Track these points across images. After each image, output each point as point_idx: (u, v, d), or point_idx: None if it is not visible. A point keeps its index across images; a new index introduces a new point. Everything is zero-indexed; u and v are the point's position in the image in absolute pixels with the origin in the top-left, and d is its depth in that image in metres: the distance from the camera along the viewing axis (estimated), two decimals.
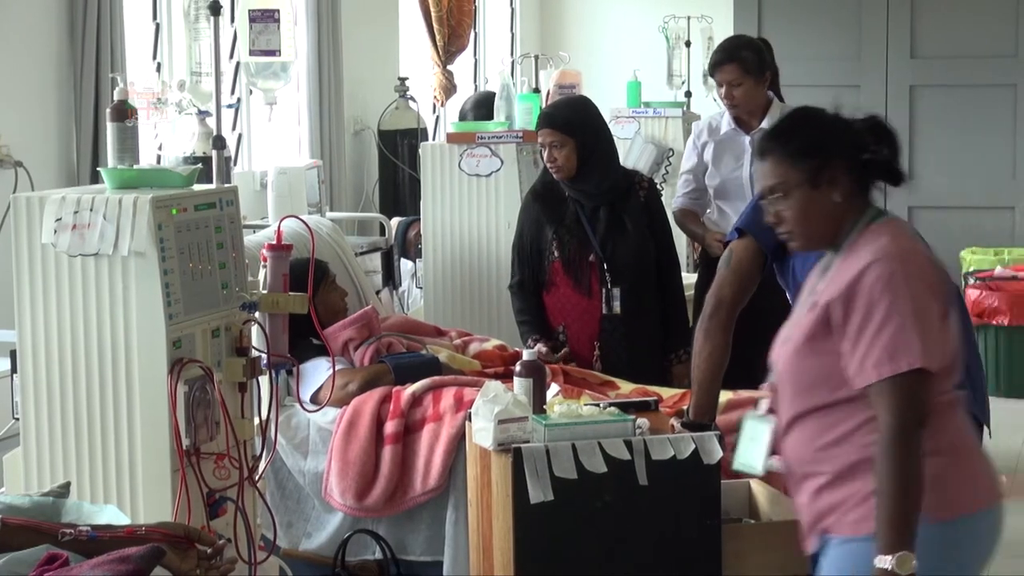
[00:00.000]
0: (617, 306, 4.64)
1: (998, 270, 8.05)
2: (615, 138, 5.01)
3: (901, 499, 2.47)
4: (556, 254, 4.71)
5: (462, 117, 7.19)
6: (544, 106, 5.72)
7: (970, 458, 2.66)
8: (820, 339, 2.59)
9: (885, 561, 2.46)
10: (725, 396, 3.78)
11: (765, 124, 5.12)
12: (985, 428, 3.50)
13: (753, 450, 2.82)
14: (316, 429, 4.31)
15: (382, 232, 6.67)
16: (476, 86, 9.29)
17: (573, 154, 4.65)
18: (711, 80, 5.41)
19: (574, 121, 4.68)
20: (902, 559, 2.45)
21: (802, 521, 2.70)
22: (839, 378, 2.57)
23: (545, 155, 4.70)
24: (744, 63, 5.07)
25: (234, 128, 6.39)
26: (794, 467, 2.68)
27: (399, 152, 7.32)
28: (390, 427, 4.17)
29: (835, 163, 2.61)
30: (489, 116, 6.21)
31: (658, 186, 5.15)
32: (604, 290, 4.65)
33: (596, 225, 4.69)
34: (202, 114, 5.10)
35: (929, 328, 2.51)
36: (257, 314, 3.52)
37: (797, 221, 2.65)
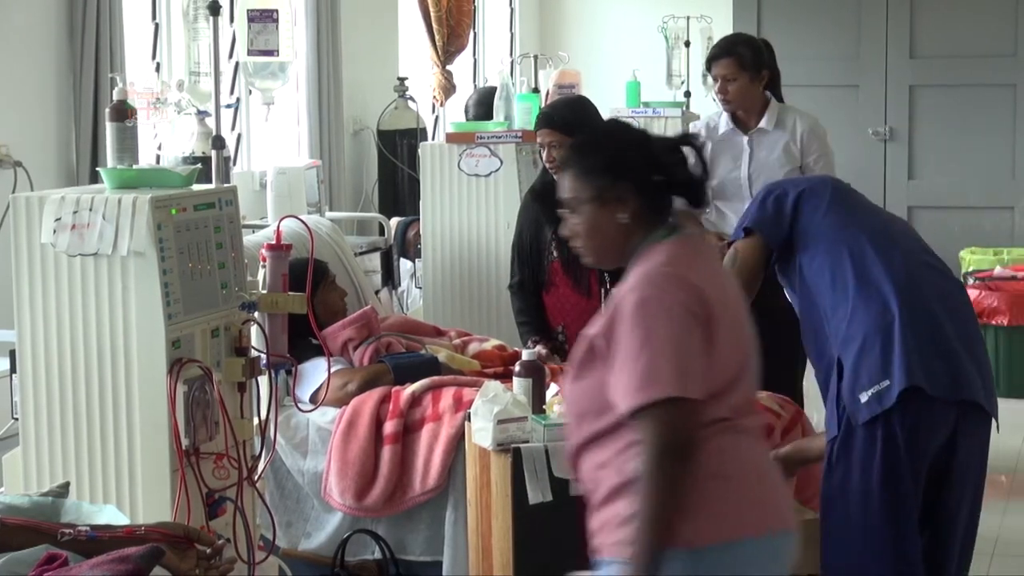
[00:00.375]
0: None
1: (997, 270, 8.05)
2: None
3: (650, 525, 2.45)
4: (555, 254, 4.71)
5: (465, 112, 7.19)
6: (543, 106, 5.71)
7: (748, 486, 2.59)
8: (588, 367, 2.58)
9: None
10: None
11: (763, 124, 5.12)
12: (993, 422, 3.48)
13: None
14: (315, 429, 4.31)
15: (381, 232, 6.67)
16: (475, 86, 9.29)
17: None
18: (710, 80, 5.41)
19: (573, 121, 4.67)
20: None
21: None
22: (603, 406, 2.55)
23: (544, 155, 4.70)
24: (740, 58, 5.07)
25: (233, 128, 6.40)
26: (583, 492, 2.66)
27: (398, 152, 7.33)
28: (389, 427, 4.17)
29: (624, 183, 2.61)
30: (492, 112, 6.22)
31: None
32: (603, 290, 4.65)
33: None
34: (201, 114, 5.10)
35: (684, 355, 2.47)
36: (256, 314, 3.52)
37: (586, 236, 2.66)
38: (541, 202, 4.80)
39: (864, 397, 3.26)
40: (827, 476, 3.35)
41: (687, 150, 2.65)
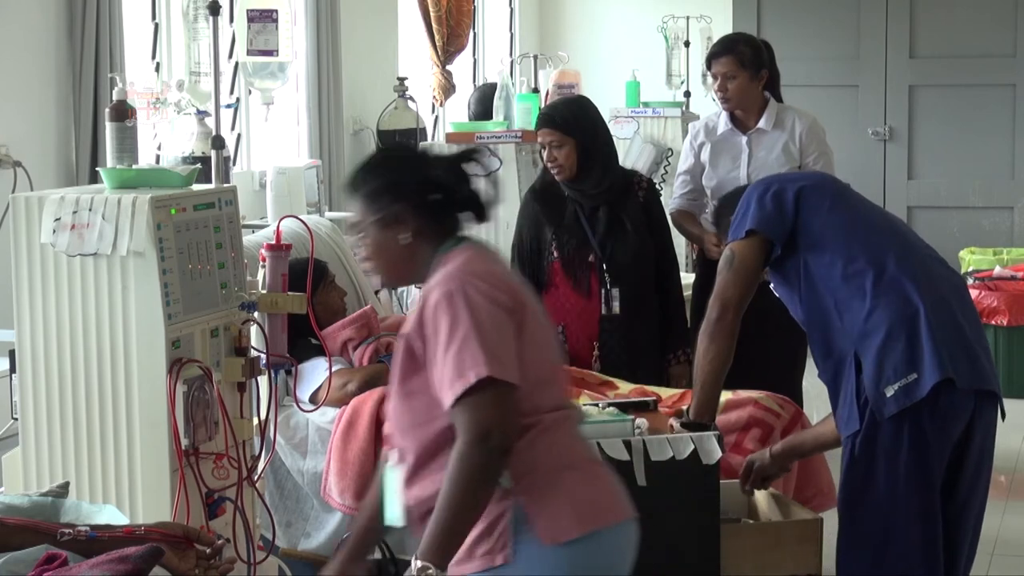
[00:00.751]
0: (616, 306, 4.63)
1: (997, 270, 8.05)
2: (614, 138, 5.01)
3: (453, 517, 2.44)
4: (555, 254, 4.71)
5: (468, 108, 7.18)
6: (543, 106, 5.70)
7: (599, 474, 2.64)
8: (409, 376, 2.60)
9: (415, 565, 2.43)
10: (724, 396, 3.78)
11: (762, 124, 5.12)
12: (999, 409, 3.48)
13: (395, 502, 2.77)
14: (315, 429, 4.31)
15: None
16: (475, 86, 9.29)
17: (573, 153, 4.64)
18: (710, 80, 5.41)
19: (573, 120, 4.68)
20: (423, 570, 2.42)
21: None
22: (432, 411, 2.55)
23: (545, 155, 4.70)
24: (740, 57, 5.07)
25: (233, 128, 6.39)
26: (415, 509, 2.63)
27: None
28: (389, 427, 4.17)
29: (401, 205, 2.67)
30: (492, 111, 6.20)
31: (657, 186, 5.15)
32: (603, 290, 4.65)
33: (596, 225, 4.69)
34: (201, 114, 5.10)
35: (496, 340, 2.49)
36: (256, 314, 3.52)
37: (373, 258, 2.72)
38: (541, 202, 4.80)
39: (890, 391, 3.27)
40: (850, 470, 3.34)
41: (471, 166, 2.74)
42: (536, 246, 4.77)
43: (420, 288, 2.71)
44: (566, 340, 4.71)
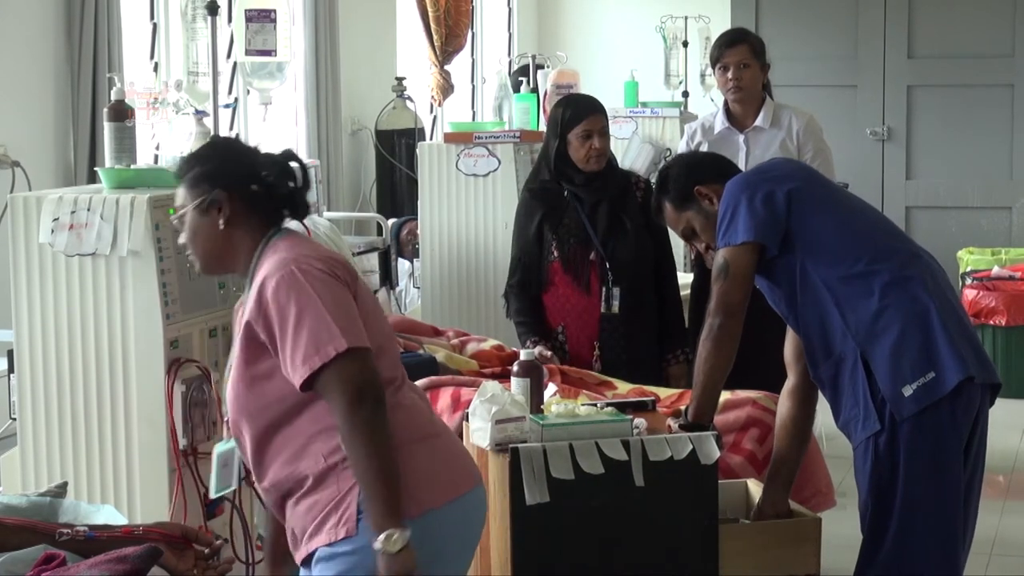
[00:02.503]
0: (616, 305, 4.63)
1: (995, 270, 8.05)
2: (612, 138, 5.01)
3: (374, 478, 2.52)
4: (555, 254, 4.71)
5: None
6: (574, 94, 5.53)
7: (451, 441, 2.77)
8: (254, 361, 2.65)
9: (377, 542, 2.50)
10: (723, 396, 3.77)
11: (759, 122, 5.12)
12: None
13: (227, 475, 2.93)
14: None
15: (379, 232, 6.67)
16: (473, 86, 9.30)
17: (608, 142, 4.71)
18: (708, 80, 5.41)
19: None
20: (388, 538, 2.48)
21: (290, 545, 2.72)
22: (282, 392, 2.62)
23: (588, 143, 4.66)
24: (753, 47, 5.10)
25: (231, 128, 6.40)
26: (272, 492, 2.69)
27: (396, 152, 7.33)
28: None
29: (220, 193, 2.72)
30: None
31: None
32: (604, 289, 4.65)
33: (596, 223, 4.69)
34: (199, 114, 5.09)
35: (343, 313, 2.58)
36: None
37: (190, 243, 2.78)
38: (540, 200, 4.80)
39: (908, 390, 3.27)
40: (875, 470, 3.34)
41: (293, 165, 2.79)
42: (536, 245, 4.77)
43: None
44: (566, 340, 4.70)
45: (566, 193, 4.75)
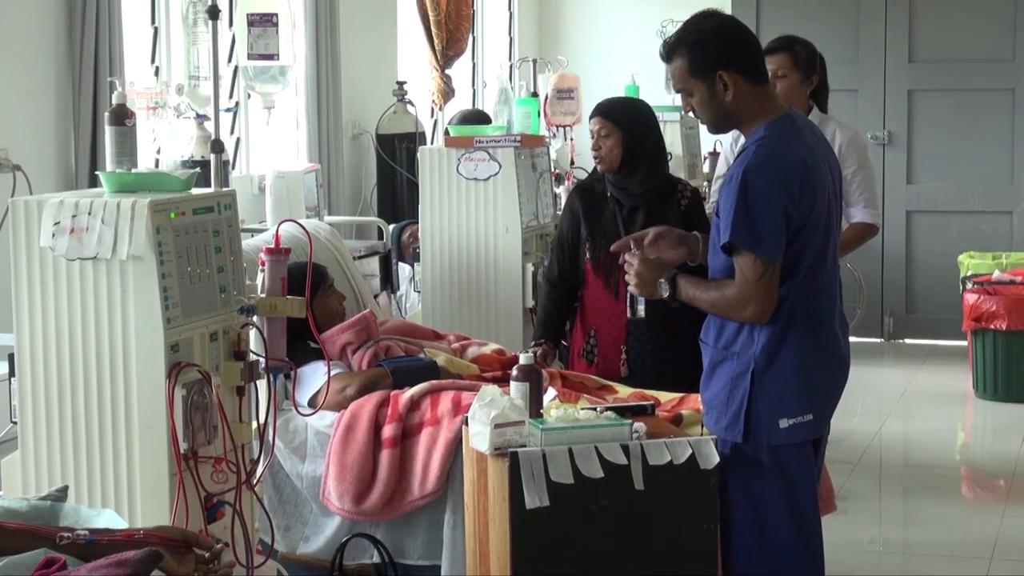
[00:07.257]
0: (641, 311, 4.51)
1: (996, 274, 8.05)
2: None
3: None
4: (588, 254, 4.76)
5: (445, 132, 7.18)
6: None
7: None
8: None
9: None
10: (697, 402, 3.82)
11: None
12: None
13: None
14: (314, 433, 4.32)
15: (380, 236, 6.68)
16: (474, 90, 9.30)
17: (618, 147, 4.69)
18: None
19: (622, 115, 4.74)
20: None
21: None
22: None
23: (592, 144, 4.74)
24: (795, 56, 4.95)
25: (232, 132, 6.40)
26: None
27: (397, 156, 7.33)
28: (388, 431, 4.17)
29: None
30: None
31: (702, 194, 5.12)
32: (629, 294, 4.64)
33: (632, 228, 4.67)
34: (200, 118, 5.11)
35: None
36: (255, 318, 3.52)
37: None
38: (583, 198, 4.86)
39: (784, 423, 3.33)
40: (727, 482, 3.38)
41: None
42: (574, 243, 4.82)
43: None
44: (597, 344, 4.73)
45: (610, 193, 4.79)
